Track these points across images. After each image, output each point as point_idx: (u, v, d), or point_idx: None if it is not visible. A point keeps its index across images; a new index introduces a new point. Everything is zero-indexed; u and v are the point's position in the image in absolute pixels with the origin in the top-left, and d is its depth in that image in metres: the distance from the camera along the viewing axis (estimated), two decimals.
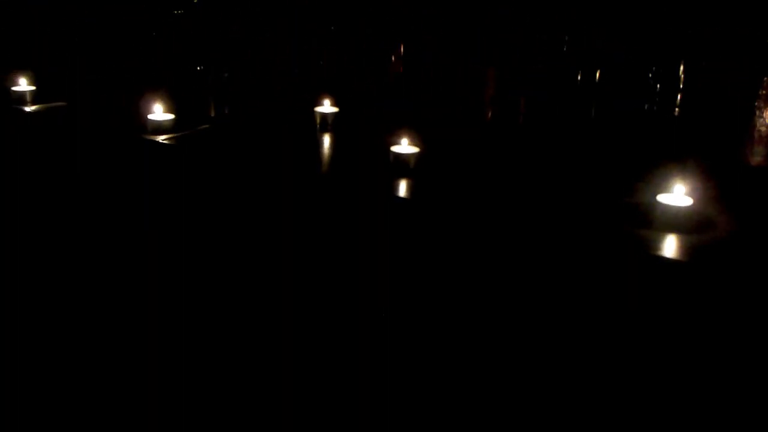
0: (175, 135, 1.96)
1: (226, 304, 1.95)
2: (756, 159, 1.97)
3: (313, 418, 1.76)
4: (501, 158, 1.99)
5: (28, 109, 2.31)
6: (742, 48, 2.34)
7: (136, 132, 2.00)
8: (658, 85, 2.45)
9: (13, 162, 2.37)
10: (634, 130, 2.20)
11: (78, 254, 2.26)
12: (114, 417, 1.83)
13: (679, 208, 1.41)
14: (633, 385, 1.39)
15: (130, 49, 3.52)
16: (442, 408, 1.64)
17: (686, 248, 1.32)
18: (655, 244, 1.33)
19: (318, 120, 2.11)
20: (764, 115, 2.20)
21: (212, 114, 2.24)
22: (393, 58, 2.91)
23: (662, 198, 1.43)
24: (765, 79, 2.37)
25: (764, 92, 2.34)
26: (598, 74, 2.49)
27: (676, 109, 2.34)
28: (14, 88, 2.36)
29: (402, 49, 2.91)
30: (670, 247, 1.32)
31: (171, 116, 2.01)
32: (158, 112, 2.02)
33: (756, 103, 2.27)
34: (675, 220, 1.40)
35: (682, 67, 2.44)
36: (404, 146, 1.78)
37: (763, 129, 2.11)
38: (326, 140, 2.05)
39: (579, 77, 2.46)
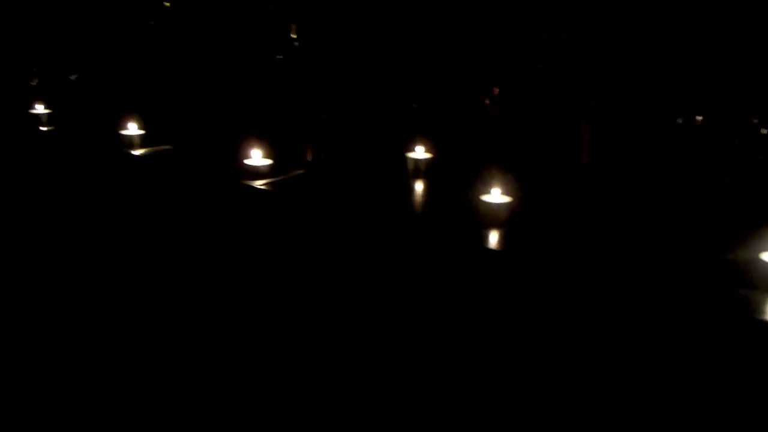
0: (271, 180, 2.02)
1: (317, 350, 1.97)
2: None
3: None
4: (595, 206, 1.95)
5: (136, 152, 2.43)
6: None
7: (235, 176, 2.07)
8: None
9: (120, 202, 2.49)
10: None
11: (183, 298, 2.32)
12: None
13: None
14: None
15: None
16: None
17: None
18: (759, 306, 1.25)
19: (410, 165, 2.13)
20: None
21: (308, 158, 2.29)
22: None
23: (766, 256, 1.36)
24: None
25: None
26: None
27: None
28: (123, 132, 2.49)
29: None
30: None
31: (268, 161, 2.07)
32: (256, 157, 2.09)
33: None
34: None
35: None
36: (495, 195, 1.77)
37: None
38: (417, 186, 2.06)
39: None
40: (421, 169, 2.13)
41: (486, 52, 2.64)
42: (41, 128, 2.82)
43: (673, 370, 1.36)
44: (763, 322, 1.20)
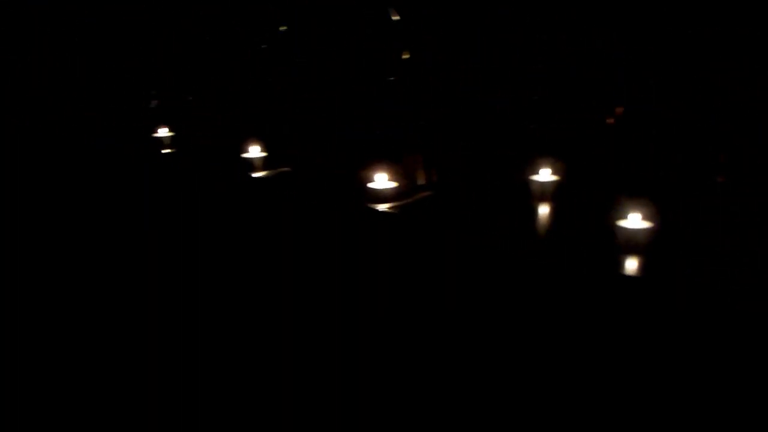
0: (396, 204, 2.01)
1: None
2: None
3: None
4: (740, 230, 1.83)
5: (256, 175, 2.47)
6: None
7: (357, 199, 2.06)
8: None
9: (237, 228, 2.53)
10: None
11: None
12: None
13: None
14: None
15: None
16: None
17: None
18: None
19: (534, 188, 2.07)
20: None
21: (428, 180, 2.26)
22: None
23: None
24: None
25: None
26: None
27: None
28: (245, 155, 2.53)
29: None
30: None
31: (393, 184, 2.06)
32: (380, 181, 2.08)
33: None
34: None
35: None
36: (634, 220, 1.69)
37: None
38: (543, 210, 2.01)
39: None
40: (547, 193, 2.07)
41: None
42: (163, 151, 2.90)
43: None
44: None
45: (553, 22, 2.48)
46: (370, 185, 2.06)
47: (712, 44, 2.12)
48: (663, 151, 2.15)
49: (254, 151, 2.50)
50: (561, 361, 1.72)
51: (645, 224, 1.68)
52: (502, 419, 1.77)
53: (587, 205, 1.98)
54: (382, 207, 1.99)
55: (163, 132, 2.98)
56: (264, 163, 2.48)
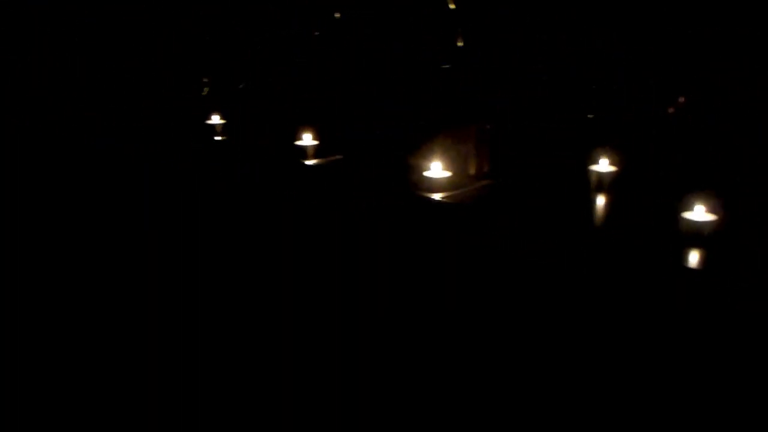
0: (451, 193, 1.99)
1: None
2: None
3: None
4: None
5: (309, 162, 2.48)
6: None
7: (412, 188, 2.05)
8: None
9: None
10: None
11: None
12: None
13: None
14: None
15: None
16: None
17: None
18: None
19: (593, 179, 2.04)
20: None
21: (486, 170, 2.24)
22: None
23: None
24: None
25: None
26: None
27: None
28: (298, 143, 2.55)
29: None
30: None
31: (448, 173, 2.05)
32: (435, 169, 2.07)
33: None
34: None
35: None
36: (698, 212, 1.66)
37: None
38: (601, 201, 1.97)
39: None
40: (605, 184, 2.03)
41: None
42: (216, 138, 2.93)
43: None
44: None
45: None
46: (426, 174, 2.06)
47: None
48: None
49: (307, 139, 2.51)
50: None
51: (708, 217, 1.65)
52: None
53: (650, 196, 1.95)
54: (437, 196, 1.98)
55: (215, 119, 3.02)
56: (316, 152, 2.49)
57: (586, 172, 2.06)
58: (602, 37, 2.37)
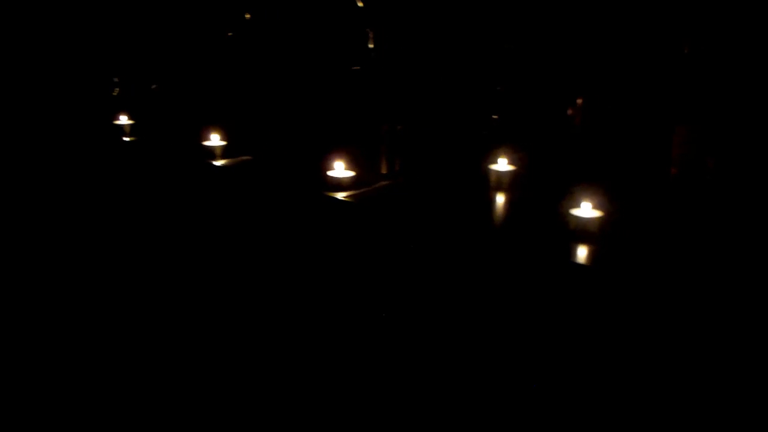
0: (354, 192, 2.02)
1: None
2: None
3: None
4: (691, 223, 1.88)
5: (217, 163, 2.46)
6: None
7: (316, 188, 2.07)
8: None
9: (200, 212, 2.53)
10: None
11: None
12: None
13: None
14: None
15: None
16: None
17: None
18: None
19: (492, 178, 2.10)
20: None
21: (389, 170, 2.28)
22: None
23: None
24: None
25: None
26: None
27: None
28: (206, 143, 2.53)
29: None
30: None
31: (351, 173, 2.08)
32: (338, 169, 2.09)
33: None
34: None
35: None
36: (585, 209, 1.73)
37: None
38: (499, 199, 2.04)
39: None
40: (503, 183, 2.10)
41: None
42: (124, 138, 2.88)
43: None
44: None
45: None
46: (330, 173, 2.08)
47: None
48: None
49: (215, 140, 2.50)
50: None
51: (595, 213, 1.72)
52: (475, 417, 1.80)
53: (542, 194, 2.02)
54: (340, 195, 2.01)
55: (123, 119, 2.97)
56: (224, 152, 2.48)
57: (488, 171, 2.12)
58: (510, 40, 2.43)
